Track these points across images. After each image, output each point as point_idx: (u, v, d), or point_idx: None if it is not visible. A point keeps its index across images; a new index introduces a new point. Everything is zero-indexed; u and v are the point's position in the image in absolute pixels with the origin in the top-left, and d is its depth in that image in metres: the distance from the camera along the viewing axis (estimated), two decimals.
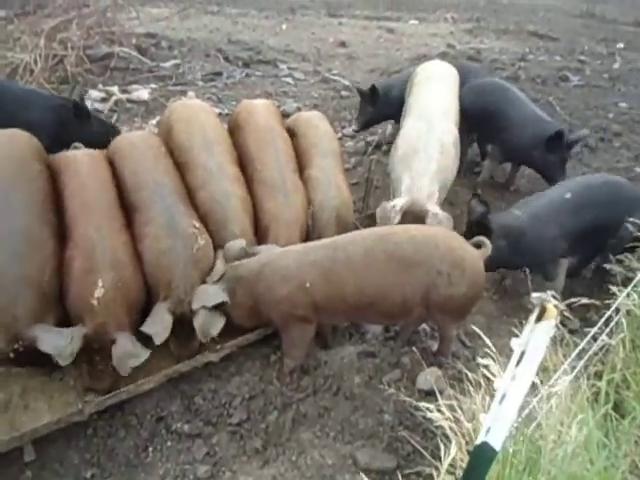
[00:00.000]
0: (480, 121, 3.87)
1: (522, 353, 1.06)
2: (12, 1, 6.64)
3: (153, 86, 5.29)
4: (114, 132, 3.45)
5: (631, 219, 2.76)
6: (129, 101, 4.88)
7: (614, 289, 2.34)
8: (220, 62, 6.27)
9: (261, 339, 2.57)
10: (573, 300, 2.21)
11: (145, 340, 2.22)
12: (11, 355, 2.03)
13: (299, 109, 3.45)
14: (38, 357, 2.04)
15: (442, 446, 1.73)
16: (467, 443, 1.69)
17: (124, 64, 5.54)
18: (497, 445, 0.94)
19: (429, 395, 2.30)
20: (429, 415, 1.87)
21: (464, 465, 1.59)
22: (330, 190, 2.84)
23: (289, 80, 6.07)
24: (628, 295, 2.22)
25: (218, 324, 2.31)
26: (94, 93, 4.81)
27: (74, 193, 2.34)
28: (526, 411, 1.20)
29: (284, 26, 8.69)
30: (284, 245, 2.54)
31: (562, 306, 1.29)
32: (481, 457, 0.98)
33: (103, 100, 4.78)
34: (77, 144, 3.11)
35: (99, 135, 3.36)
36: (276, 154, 2.81)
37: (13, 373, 2.20)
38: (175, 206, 2.40)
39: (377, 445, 2.21)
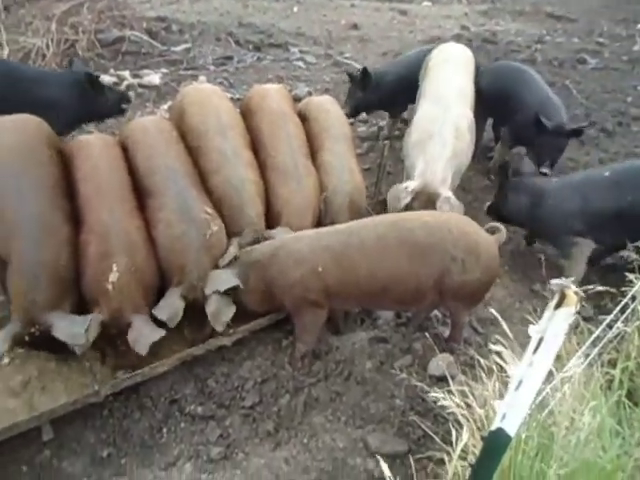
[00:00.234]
0: (496, 104, 3.80)
1: (540, 340, 1.05)
2: None
3: (164, 70, 5.26)
4: (126, 99, 3.63)
5: None
6: (140, 86, 4.86)
7: (631, 276, 2.31)
8: (231, 46, 6.21)
9: (273, 324, 2.59)
10: (588, 287, 2.18)
11: (159, 324, 2.25)
12: (27, 339, 2.07)
13: (310, 93, 3.40)
14: (53, 342, 2.07)
15: (454, 431, 1.74)
16: (479, 429, 1.69)
17: (135, 48, 5.51)
18: (512, 431, 0.94)
19: (440, 381, 2.31)
20: (441, 401, 1.87)
21: (476, 451, 1.60)
22: (343, 175, 2.82)
23: (300, 64, 6.00)
24: None
25: (230, 310, 2.32)
26: (106, 78, 4.79)
27: (87, 177, 2.35)
28: (539, 397, 1.19)
29: (295, 9, 8.55)
30: (296, 231, 2.54)
31: (582, 293, 1.27)
32: (495, 443, 0.98)
33: (115, 85, 4.77)
34: (90, 129, 3.12)
35: (114, 104, 3.56)
36: (288, 139, 2.79)
37: (30, 355, 2.25)
38: (188, 191, 2.40)
39: (388, 430, 2.23)
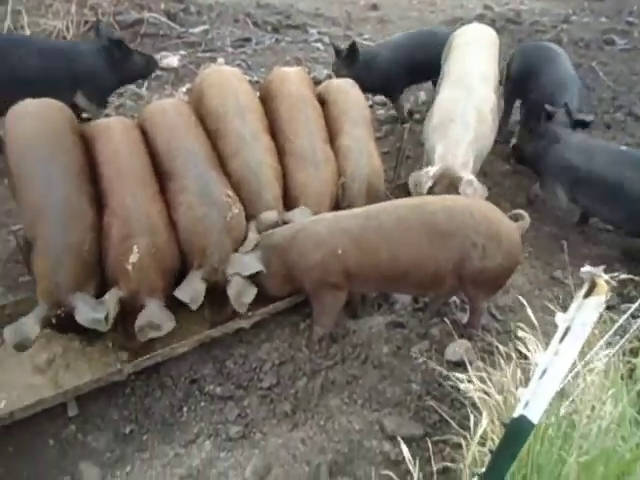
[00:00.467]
0: (521, 85, 3.70)
1: (566, 329, 1.04)
2: None
3: (182, 53, 5.24)
4: (153, 62, 3.73)
5: None
6: (159, 68, 4.85)
7: None
8: (249, 27, 6.15)
9: (291, 307, 2.61)
10: (613, 275, 2.14)
11: (179, 305, 2.28)
12: (53, 320, 2.12)
13: (330, 76, 3.35)
14: (77, 325, 2.12)
15: (472, 417, 1.74)
16: (498, 415, 1.69)
17: (154, 30, 5.49)
18: (535, 419, 0.93)
19: (457, 367, 2.31)
20: (459, 386, 1.87)
21: (494, 437, 1.60)
22: (362, 159, 2.79)
23: (319, 45, 5.91)
24: None
25: (251, 293, 2.34)
26: None
27: (109, 161, 2.37)
28: (561, 385, 1.18)
29: None
30: (314, 215, 2.54)
31: (613, 282, 1.24)
32: (518, 430, 0.98)
33: None
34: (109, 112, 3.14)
35: (143, 66, 3.65)
36: (307, 123, 2.77)
37: (55, 334, 2.30)
38: (208, 174, 2.41)
39: (404, 413, 2.24)
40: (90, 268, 2.19)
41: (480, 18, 6.33)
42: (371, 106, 4.52)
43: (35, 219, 2.16)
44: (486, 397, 1.79)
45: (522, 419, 0.95)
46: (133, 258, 2.16)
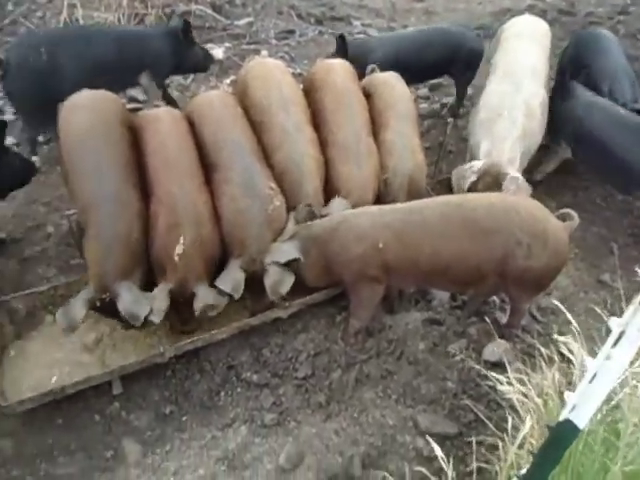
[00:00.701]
0: (573, 76, 3.57)
1: (620, 333, 1.00)
2: None
3: (227, 45, 5.31)
4: (210, 59, 3.90)
5: None
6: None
7: None
8: (293, 19, 6.16)
9: (328, 299, 2.63)
10: None
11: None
12: (98, 304, 2.21)
13: (374, 69, 3.32)
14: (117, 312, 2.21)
15: (510, 418, 1.71)
16: (538, 418, 1.66)
17: (200, 22, 5.58)
18: (582, 424, 0.91)
19: (495, 367, 2.27)
20: (497, 386, 1.84)
21: (532, 440, 1.57)
22: (405, 154, 2.76)
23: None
24: None
25: (288, 283, 2.37)
26: None
27: (156, 151, 2.43)
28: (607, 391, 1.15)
29: None
30: (355, 208, 2.54)
31: None
32: (563, 434, 0.95)
33: None
34: (158, 102, 3.24)
35: (202, 59, 3.83)
36: (351, 117, 2.76)
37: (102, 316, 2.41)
38: (253, 166, 2.45)
39: (439, 411, 2.23)
40: (138, 257, 2.27)
41: (530, 9, 6.09)
42: (414, 100, 4.45)
43: (86, 208, 2.25)
44: (525, 399, 1.76)
45: (567, 423, 0.93)
46: (179, 249, 2.23)
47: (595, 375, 0.93)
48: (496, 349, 2.35)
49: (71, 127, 2.41)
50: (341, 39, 3.62)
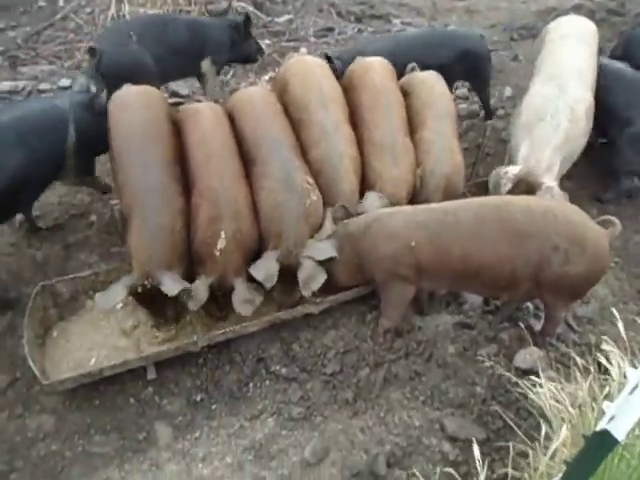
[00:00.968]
0: None
1: None
2: None
3: (267, 42, 5.37)
4: (261, 52, 4.24)
5: None
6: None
7: None
8: (332, 17, 6.17)
9: (358, 297, 2.64)
10: None
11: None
12: (138, 289, 2.28)
13: (414, 68, 3.29)
14: (156, 303, 2.29)
15: (543, 427, 1.68)
16: (572, 428, 1.62)
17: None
18: (620, 435, 0.89)
19: (526, 374, 2.23)
20: (529, 394, 1.81)
21: (565, 450, 1.54)
22: (443, 155, 2.74)
23: None
24: None
25: (320, 279, 2.39)
26: None
27: (198, 144, 2.49)
28: None
29: None
30: (389, 205, 2.54)
31: None
32: (599, 444, 0.93)
33: None
34: (199, 97, 3.32)
35: (255, 51, 4.17)
36: (389, 115, 2.76)
37: None
38: (292, 162, 2.48)
39: (466, 415, 2.21)
40: (179, 249, 2.33)
41: (577, 9, 5.89)
42: (453, 100, 4.39)
43: (133, 200, 2.34)
44: (559, 408, 1.72)
45: (605, 434, 0.91)
46: (221, 243, 2.29)
47: (636, 386, 0.91)
48: (528, 356, 2.31)
49: (120, 124, 2.51)
50: (327, 58, 3.35)
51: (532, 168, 2.66)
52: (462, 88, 4.62)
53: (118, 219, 2.49)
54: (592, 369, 1.85)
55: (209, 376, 2.38)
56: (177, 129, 2.62)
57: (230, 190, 2.36)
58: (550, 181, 2.62)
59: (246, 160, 2.55)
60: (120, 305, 2.50)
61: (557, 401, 1.76)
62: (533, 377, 1.97)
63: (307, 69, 2.89)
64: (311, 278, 2.38)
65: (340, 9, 6.36)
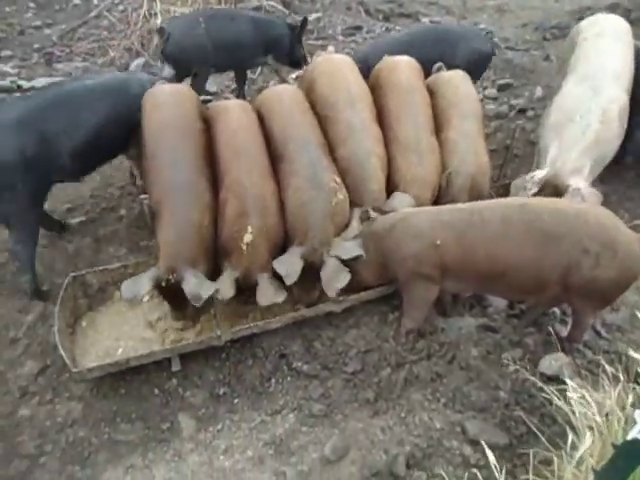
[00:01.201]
0: None
1: None
2: None
3: None
4: (304, 61, 4.21)
5: None
6: None
7: None
8: (361, 15, 6.16)
9: (381, 297, 2.63)
10: None
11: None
12: (163, 283, 2.32)
13: (440, 68, 3.26)
14: (178, 298, 2.32)
15: (570, 435, 1.65)
16: (600, 436, 1.59)
17: None
18: None
19: (551, 380, 2.20)
20: (553, 400, 1.78)
21: (591, 459, 1.51)
22: (468, 155, 2.72)
23: None
24: None
25: (344, 278, 2.40)
26: None
27: (227, 141, 2.53)
28: None
29: None
30: (414, 204, 2.53)
31: None
32: (629, 454, 0.92)
33: None
34: (228, 95, 3.36)
35: (302, 57, 4.20)
36: (414, 113, 2.75)
37: None
38: (319, 160, 2.49)
39: (489, 419, 2.19)
40: (206, 245, 2.37)
41: (612, 8, 5.73)
42: (481, 100, 4.33)
43: (163, 195, 2.38)
44: (588, 415, 1.69)
45: (636, 443, 0.89)
46: (247, 238, 2.32)
47: None
48: (554, 362, 2.27)
49: (153, 122, 2.57)
50: None
51: (558, 170, 2.61)
52: (491, 88, 4.56)
53: (147, 214, 2.55)
54: (621, 377, 1.81)
55: (232, 370, 2.42)
56: (207, 126, 2.66)
57: (258, 186, 2.39)
58: (577, 182, 2.55)
59: (274, 157, 2.57)
60: (147, 298, 2.55)
61: (584, 408, 1.73)
62: (557, 383, 1.93)
63: (335, 68, 2.89)
64: (335, 278, 2.38)
65: (368, 7, 6.35)
